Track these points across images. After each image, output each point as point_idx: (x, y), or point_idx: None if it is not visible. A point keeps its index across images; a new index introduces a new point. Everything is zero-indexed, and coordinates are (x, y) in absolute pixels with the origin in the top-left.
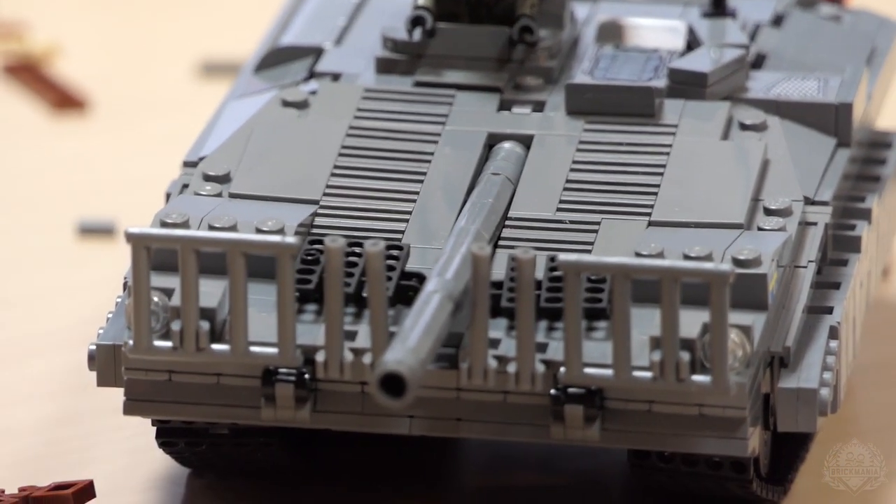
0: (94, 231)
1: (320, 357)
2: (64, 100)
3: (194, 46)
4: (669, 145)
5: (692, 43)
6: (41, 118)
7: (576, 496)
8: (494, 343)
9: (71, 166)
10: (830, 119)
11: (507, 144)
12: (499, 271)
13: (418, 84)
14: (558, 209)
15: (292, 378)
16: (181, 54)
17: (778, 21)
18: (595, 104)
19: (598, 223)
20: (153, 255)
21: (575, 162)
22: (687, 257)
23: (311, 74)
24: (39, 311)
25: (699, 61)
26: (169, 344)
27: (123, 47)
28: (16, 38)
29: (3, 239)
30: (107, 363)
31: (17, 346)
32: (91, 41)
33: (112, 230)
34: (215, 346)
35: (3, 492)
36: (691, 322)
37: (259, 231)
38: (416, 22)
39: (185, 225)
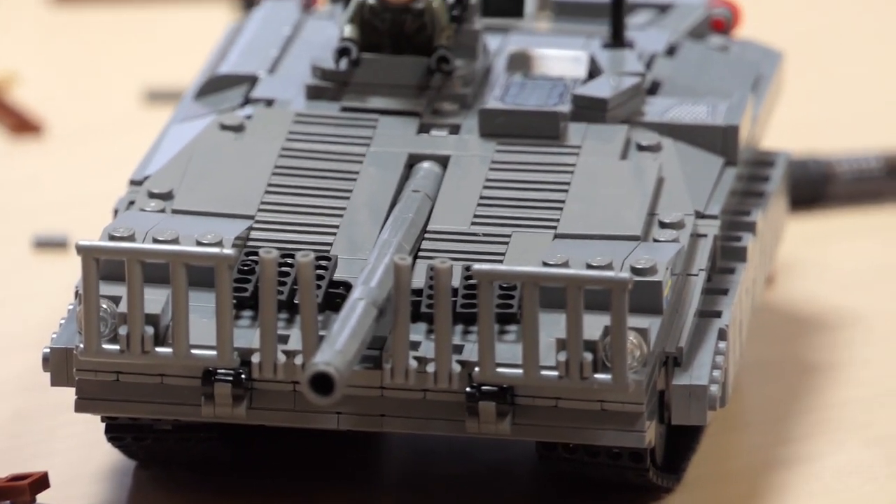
0: (49, 244)
1: (255, 359)
2: (22, 124)
3: (141, 75)
4: (573, 164)
5: (594, 71)
6: (1, 141)
7: (489, 484)
8: (415, 345)
9: (28, 185)
10: (719, 140)
11: (425, 164)
12: (419, 280)
13: (345, 109)
14: (472, 223)
15: (230, 378)
16: (129, 82)
17: (671, 51)
18: (506, 127)
19: (509, 236)
20: (102, 266)
21: (487, 180)
22: (590, 266)
23: (247, 100)
24: None
25: (600, 88)
26: (116, 347)
27: (77, 76)
28: None
29: None
30: (60, 365)
31: None
32: (47, 71)
33: (65, 244)
34: (159, 349)
35: None
36: (594, 325)
37: (199, 244)
38: (342, 53)
39: (131, 238)
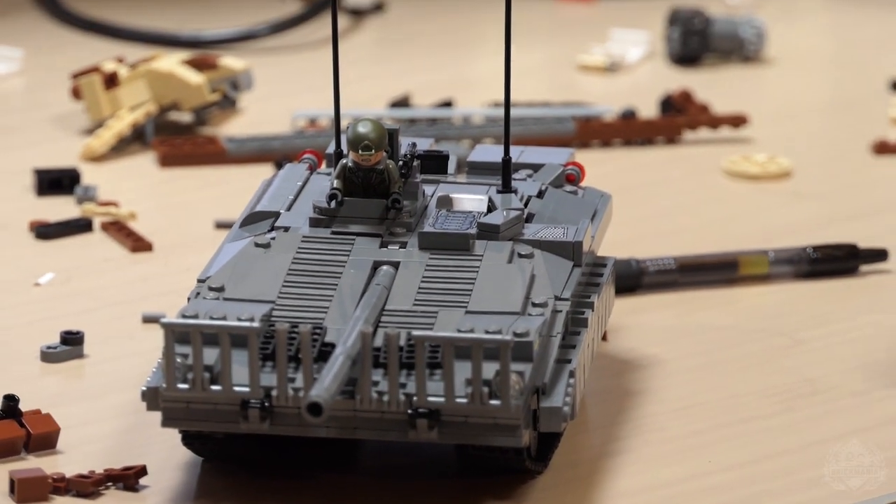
0: (152, 320)
1: (274, 393)
2: (138, 244)
3: (213, 211)
4: (478, 267)
5: (491, 207)
6: (124, 255)
7: (426, 468)
8: (375, 383)
9: (141, 282)
10: (570, 251)
11: (384, 267)
12: (379, 341)
13: (334, 233)
14: (413, 304)
15: (258, 405)
16: (206, 216)
17: (541, 195)
18: (436, 244)
19: (437, 312)
20: (177, 334)
21: (424, 277)
22: (487, 332)
23: (272, 228)
24: (117, 366)
25: (495, 218)
26: (186, 386)
27: (173, 212)
28: (110, 207)
29: (102, 326)
30: (152, 397)
31: (104, 386)
32: (155, 208)
33: None
34: (213, 387)
35: (93, 472)
36: (489, 369)
37: (239, 319)
38: (332, 197)
39: (195, 317)
